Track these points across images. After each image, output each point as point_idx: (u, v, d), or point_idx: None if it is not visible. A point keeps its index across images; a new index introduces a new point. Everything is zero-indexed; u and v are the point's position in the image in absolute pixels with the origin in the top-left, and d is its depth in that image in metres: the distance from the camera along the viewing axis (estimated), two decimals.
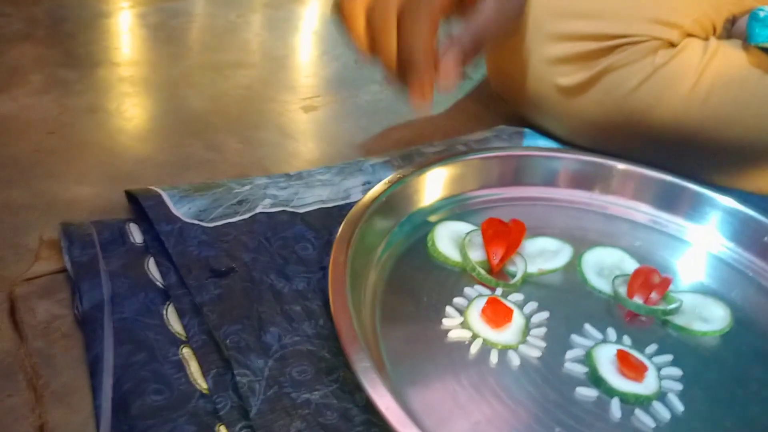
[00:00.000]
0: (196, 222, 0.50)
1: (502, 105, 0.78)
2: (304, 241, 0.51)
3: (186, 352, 0.42)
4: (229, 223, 0.51)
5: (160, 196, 0.52)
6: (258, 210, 0.52)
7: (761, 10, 0.66)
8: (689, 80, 0.65)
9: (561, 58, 0.67)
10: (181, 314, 0.43)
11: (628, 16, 0.67)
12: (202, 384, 0.40)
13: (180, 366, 0.41)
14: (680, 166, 0.69)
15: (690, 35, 0.69)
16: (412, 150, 0.66)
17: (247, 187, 0.55)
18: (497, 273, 0.52)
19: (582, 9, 0.68)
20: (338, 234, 0.47)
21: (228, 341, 0.41)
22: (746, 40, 0.67)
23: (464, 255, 0.52)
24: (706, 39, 0.69)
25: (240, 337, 0.41)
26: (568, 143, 0.72)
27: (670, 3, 0.69)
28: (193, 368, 0.41)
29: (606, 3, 0.68)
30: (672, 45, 0.67)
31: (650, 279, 0.52)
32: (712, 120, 0.66)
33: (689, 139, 0.67)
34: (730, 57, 0.67)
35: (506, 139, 0.69)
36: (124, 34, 0.86)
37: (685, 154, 0.68)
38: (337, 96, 0.78)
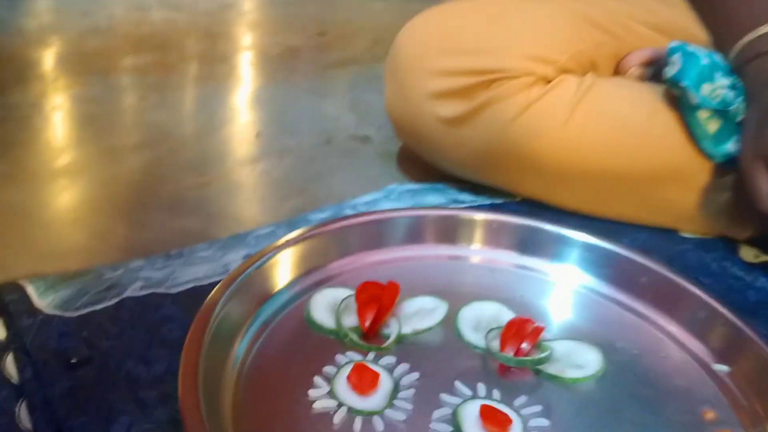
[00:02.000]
0: (59, 313, 0.50)
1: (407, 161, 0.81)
2: (170, 323, 0.50)
3: None
4: (95, 311, 0.50)
5: (23, 289, 0.51)
6: (126, 294, 0.52)
7: (689, 47, 0.66)
8: (563, 114, 0.68)
9: (443, 92, 0.70)
10: (31, 410, 0.43)
11: (504, 52, 0.70)
12: None
13: None
14: (566, 200, 0.70)
15: (567, 71, 0.72)
16: (299, 218, 0.66)
17: (119, 272, 0.55)
18: (372, 337, 0.52)
19: (463, 46, 0.71)
20: (198, 312, 0.47)
21: None
22: (666, 75, 0.66)
23: (338, 321, 0.52)
24: (584, 75, 0.71)
25: (85, 430, 0.41)
26: (463, 191, 0.73)
27: (546, 40, 0.72)
28: None
29: (485, 40, 0.71)
30: (548, 81, 0.70)
31: (523, 329, 0.52)
32: (587, 152, 0.67)
33: (568, 170, 0.68)
34: (605, 92, 0.69)
35: (395, 198, 0.70)
36: (22, 127, 0.86)
37: (566, 184, 0.70)
38: (234, 170, 0.79)
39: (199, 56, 1.14)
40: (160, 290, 0.53)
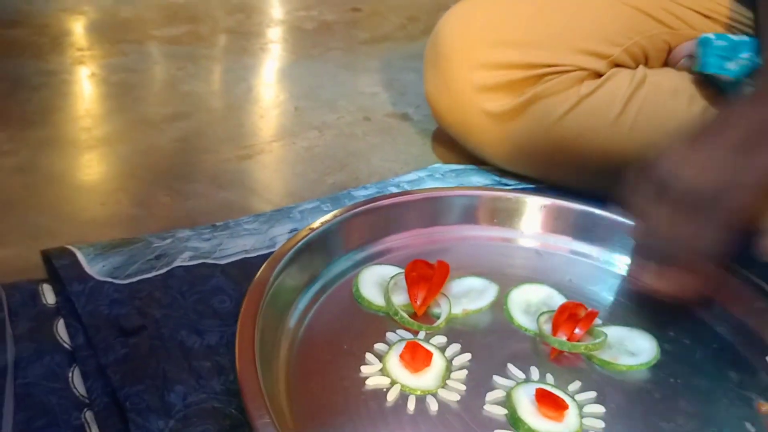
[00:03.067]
0: (109, 280, 0.49)
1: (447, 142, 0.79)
2: (221, 294, 0.50)
3: (89, 415, 0.40)
4: (144, 279, 0.50)
5: (74, 255, 0.51)
6: (176, 264, 0.52)
7: (712, 37, 0.66)
8: (615, 109, 0.66)
9: (489, 86, 0.68)
10: (85, 377, 0.42)
11: (555, 46, 0.68)
12: None
13: (82, 430, 0.39)
14: (611, 192, 0.69)
15: (618, 64, 0.70)
16: (343, 194, 0.65)
17: (167, 241, 0.55)
18: (421, 316, 0.51)
19: (510, 38, 0.69)
20: (252, 284, 0.47)
21: (129, 403, 0.40)
22: (693, 68, 0.67)
23: (387, 299, 0.51)
24: (636, 67, 0.70)
25: (141, 398, 0.40)
26: (505, 173, 0.72)
27: (598, 33, 0.70)
28: None
29: (535, 33, 0.69)
30: (598, 75, 0.68)
31: (576, 314, 0.51)
32: (638, 147, 0.66)
33: (618, 166, 0.67)
34: (658, 85, 0.68)
35: (440, 178, 0.69)
36: (60, 93, 0.86)
37: (615, 181, 0.68)
38: (274, 144, 0.78)
39: (232, 29, 1.13)
40: (209, 261, 0.52)
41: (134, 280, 0.50)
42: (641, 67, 0.69)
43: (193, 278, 0.51)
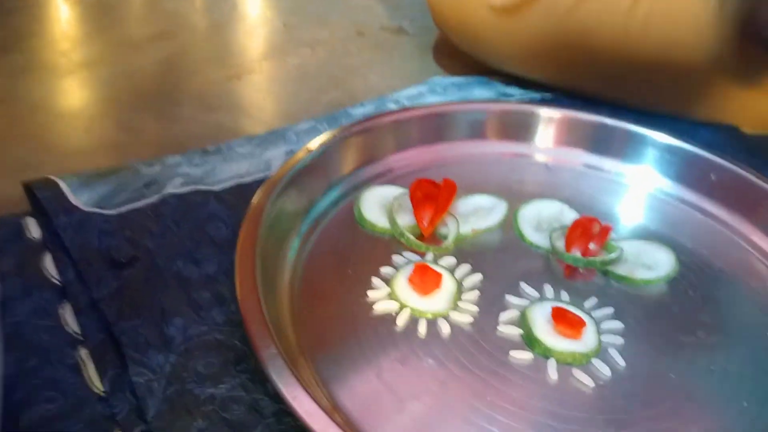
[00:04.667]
0: (97, 210, 0.46)
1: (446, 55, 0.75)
2: (217, 221, 0.47)
3: (83, 353, 0.38)
4: (134, 209, 0.47)
5: (58, 185, 0.48)
6: (167, 191, 0.49)
7: None
8: (626, 1, 0.62)
9: None
10: (78, 312, 0.40)
11: None
12: (99, 387, 0.37)
13: (77, 369, 0.37)
14: (621, 93, 0.65)
15: None
16: (339, 112, 0.62)
17: (156, 168, 0.52)
18: (428, 237, 0.49)
19: None
20: (248, 210, 0.44)
21: (125, 338, 0.38)
22: None
23: (392, 221, 0.49)
24: None
25: (138, 333, 0.38)
26: (511, 84, 0.68)
27: None
28: (91, 370, 0.37)
29: None
30: None
31: (589, 229, 0.49)
32: (652, 41, 0.62)
33: (630, 62, 0.63)
34: None
35: (440, 92, 0.66)
36: (35, 17, 0.81)
37: (626, 79, 0.65)
38: (263, 63, 0.74)
39: None
40: (202, 187, 0.50)
41: (123, 209, 0.47)
42: None
43: (186, 206, 0.48)
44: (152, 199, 0.48)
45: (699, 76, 0.62)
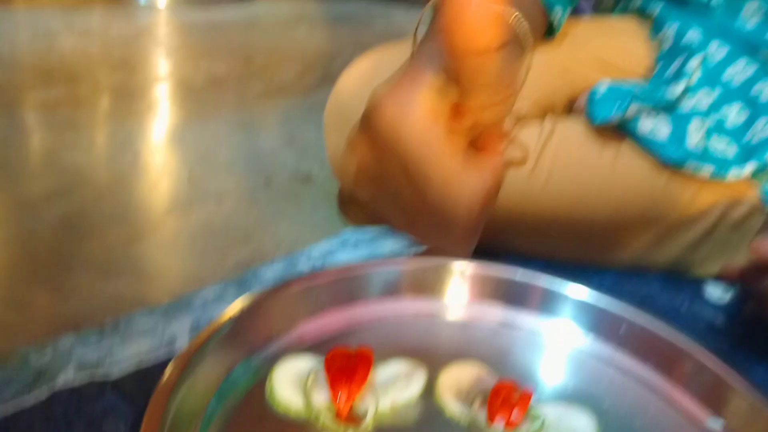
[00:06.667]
0: None
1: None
2: (114, 416, 0.43)
3: None
4: (22, 410, 0.43)
5: None
6: (59, 384, 0.45)
7: (597, 90, 0.66)
8: (528, 164, 0.64)
9: None
10: None
11: None
12: None
13: None
14: (527, 244, 0.67)
15: (524, 118, 0.68)
16: (248, 274, 0.60)
17: (47, 355, 0.47)
18: (347, 416, 0.46)
19: None
20: (149, 405, 0.40)
21: None
22: (590, 122, 0.67)
23: (307, 402, 0.46)
24: (542, 117, 0.68)
25: None
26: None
27: None
28: None
29: None
30: None
31: (510, 396, 0.48)
32: (555, 201, 0.64)
33: (535, 221, 0.65)
34: (568, 135, 0.67)
35: (352, 247, 0.65)
36: None
37: (534, 236, 0.66)
38: (167, 219, 0.72)
39: (114, 88, 1.05)
40: (98, 376, 0.46)
41: (10, 413, 0.42)
42: (548, 118, 0.68)
43: (79, 400, 0.44)
44: (42, 396, 0.44)
45: (604, 231, 0.65)
